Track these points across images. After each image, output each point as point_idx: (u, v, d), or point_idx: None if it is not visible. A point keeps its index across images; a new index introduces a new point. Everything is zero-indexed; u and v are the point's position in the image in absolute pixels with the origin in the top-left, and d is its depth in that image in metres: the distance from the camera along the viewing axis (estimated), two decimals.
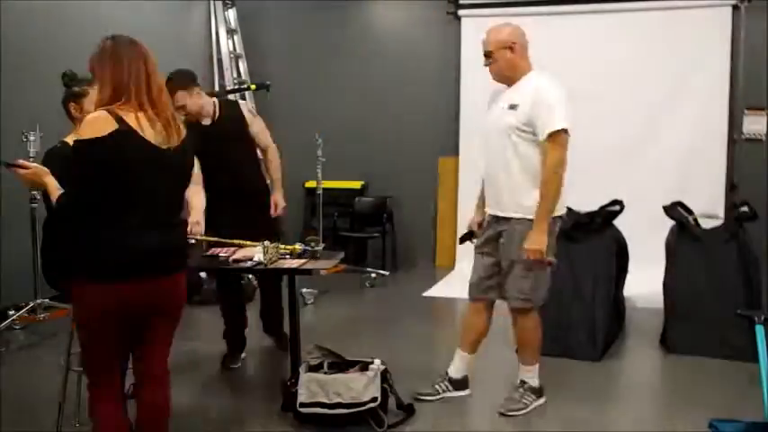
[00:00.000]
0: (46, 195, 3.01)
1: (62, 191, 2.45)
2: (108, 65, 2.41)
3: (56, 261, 2.99)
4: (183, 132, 2.54)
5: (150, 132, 2.41)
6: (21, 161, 2.60)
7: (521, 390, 3.71)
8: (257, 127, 4.43)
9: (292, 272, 3.62)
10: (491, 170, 3.65)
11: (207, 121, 4.25)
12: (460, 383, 3.86)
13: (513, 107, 3.54)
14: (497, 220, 3.62)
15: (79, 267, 2.41)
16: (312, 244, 3.79)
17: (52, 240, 3.06)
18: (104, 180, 2.35)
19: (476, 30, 7.44)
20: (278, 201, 4.51)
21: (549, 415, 3.72)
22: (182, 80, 4.10)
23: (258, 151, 4.55)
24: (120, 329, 2.47)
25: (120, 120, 2.34)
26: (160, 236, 2.47)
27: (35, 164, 2.65)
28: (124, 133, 2.34)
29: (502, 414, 3.62)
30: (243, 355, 4.52)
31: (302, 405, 3.42)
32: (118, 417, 2.56)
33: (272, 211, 4.45)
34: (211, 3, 7.70)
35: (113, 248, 2.38)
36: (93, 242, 2.38)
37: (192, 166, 2.69)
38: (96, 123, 2.33)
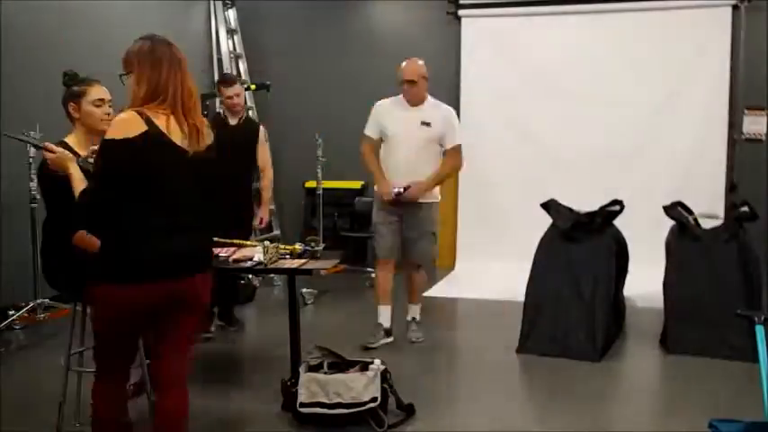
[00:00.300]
0: (45, 194, 3.03)
1: (86, 184, 2.50)
2: (147, 64, 2.45)
3: (65, 262, 3.04)
4: (210, 139, 2.58)
5: (178, 136, 2.45)
6: (47, 144, 2.77)
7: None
8: (263, 147, 5.20)
9: (292, 272, 3.62)
10: None
11: (233, 121, 5.05)
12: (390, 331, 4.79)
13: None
14: None
15: (108, 269, 2.42)
16: (312, 244, 3.79)
17: (52, 241, 3.08)
18: (131, 181, 2.38)
19: (476, 30, 7.47)
20: (264, 216, 5.27)
21: (549, 415, 3.72)
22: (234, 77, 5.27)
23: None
24: (139, 328, 2.57)
25: (149, 122, 2.38)
26: (184, 238, 2.49)
27: (61, 149, 2.77)
28: (153, 136, 2.38)
29: (413, 342, 4.77)
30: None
31: (302, 405, 3.42)
32: (117, 407, 2.64)
33: (256, 223, 5.19)
34: (211, 3, 7.70)
35: (141, 250, 2.41)
36: (122, 244, 2.41)
37: (215, 171, 2.66)
38: (126, 124, 2.36)
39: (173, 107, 2.44)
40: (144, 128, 2.37)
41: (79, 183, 2.51)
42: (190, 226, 2.53)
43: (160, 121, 2.41)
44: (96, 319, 2.61)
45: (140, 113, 2.39)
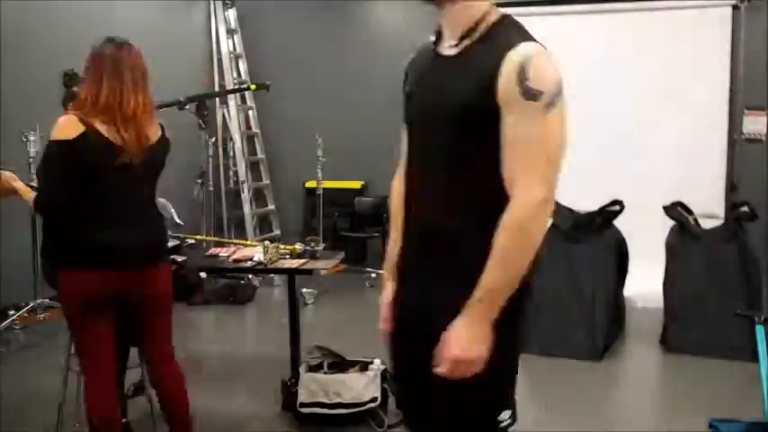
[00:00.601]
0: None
1: (34, 193, 2.64)
2: (92, 72, 2.56)
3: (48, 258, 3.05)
4: (155, 139, 2.68)
5: (116, 137, 2.55)
6: None
7: None
8: None
9: (292, 272, 3.62)
10: None
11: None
12: None
13: None
14: None
15: (65, 257, 2.60)
16: (312, 244, 3.79)
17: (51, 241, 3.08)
18: (76, 177, 2.51)
19: None
20: None
21: (550, 415, 3.72)
22: None
23: None
24: (105, 317, 2.64)
25: (87, 123, 2.50)
26: (133, 230, 2.65)
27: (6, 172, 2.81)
28: (91, 136, 2.50)
29: None
30: None
31: (302, 405, 3.42)
32: (108, 403, 2.69)
33: None
34: (211, 3, 7.70)
35: (93, 240, 2.57)
36: (76, 235, 2.57)
37: (161, 169, 2.79)
38: (64, 126, 2.49)
39: (111, 117, 2.54)
40: (81, 129, 2.48)
41: (28, 192, 2.69)
42: (138, 220, 2.69)
43: (97, 123, 2.52)
44: (63, 308, 2.70)
45: (78, 116, 2.50)
